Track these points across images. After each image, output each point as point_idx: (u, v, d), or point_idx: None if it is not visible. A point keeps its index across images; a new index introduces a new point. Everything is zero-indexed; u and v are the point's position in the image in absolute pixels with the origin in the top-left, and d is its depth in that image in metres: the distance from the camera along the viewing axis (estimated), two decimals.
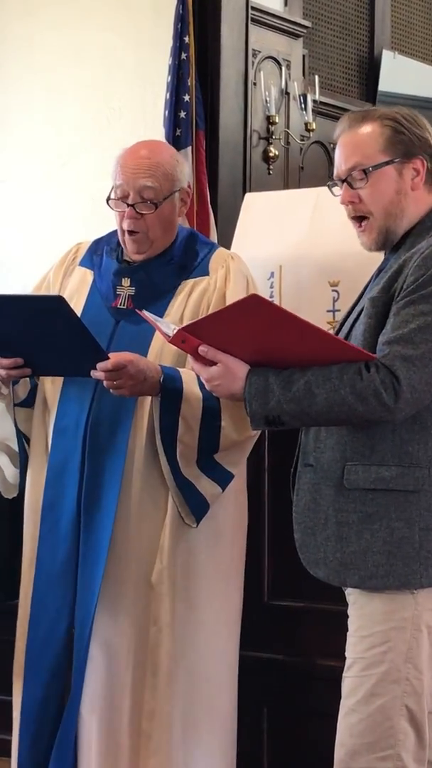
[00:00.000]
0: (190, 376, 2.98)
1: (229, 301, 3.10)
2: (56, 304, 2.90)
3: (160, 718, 3.07)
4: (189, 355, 2.60)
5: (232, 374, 2.52)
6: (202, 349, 2.52)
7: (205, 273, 3.18)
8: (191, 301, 3.15)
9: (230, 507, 3.19)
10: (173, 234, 3.19)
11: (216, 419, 3.03)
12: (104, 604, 3.05)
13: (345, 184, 2.62)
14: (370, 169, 2.58)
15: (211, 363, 2.54)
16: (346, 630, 2.61)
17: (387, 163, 2.59)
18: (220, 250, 3.27)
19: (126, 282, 3.17)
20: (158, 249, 3.17)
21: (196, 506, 3.06)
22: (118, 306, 3.16)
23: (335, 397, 2.43)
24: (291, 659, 3.41)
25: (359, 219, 2.64)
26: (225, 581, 3.20)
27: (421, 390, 2.43)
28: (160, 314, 3.08)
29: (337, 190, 2.66)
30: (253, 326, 2.46)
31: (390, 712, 2.50)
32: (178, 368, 3.03)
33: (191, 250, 3.21)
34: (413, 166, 2.60)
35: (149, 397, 3.04)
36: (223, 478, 3.09)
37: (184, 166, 3.21)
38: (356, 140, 2.61)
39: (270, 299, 3.60)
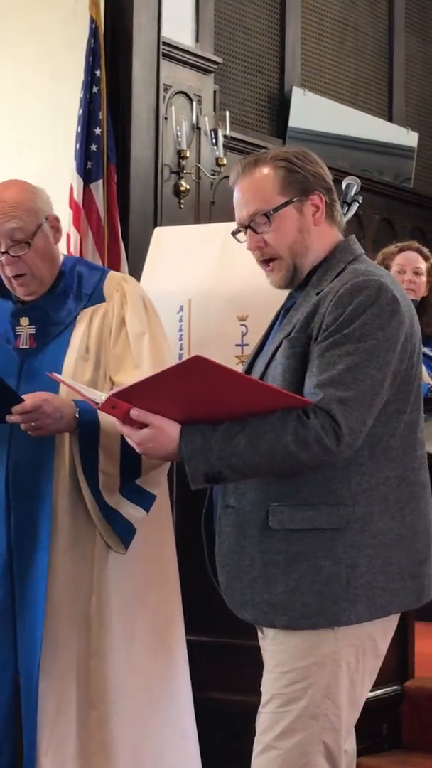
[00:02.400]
0: None
1: (129, 324, 3.12)
2: None
3: (107, 751, 3.04)
4: (116, 420, 2.53)
5: (165, 435, 2.47)
6: (134, 413, 2.47)
7: (101, 299, 3.18)
8: (93, 329, 3.14)
9: (152, 529, 3.18)
10: (57, 263, 3.19)
11: None
12: (45, 645, 3.01)
13: (249, 230, 2.64)
14: (272, 212, 2.59)
15: (141, 425, 2.49)
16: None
17: (286, 203, 2.60)
18: (112, 273, 3.26)
19: (24, 321, 3.15)
20: (47, 283, 3.16)
21: (123, 533, 3.05)
22: (21, 346, 3.14)
23: (277, 446, 2.41)
24: (194, 694, 3.39)
25: (267, 260, 2.66)
26: (157, 603, 3.18)
27: (358, 431, 2.43)
28: (64, 346, 3.09)
29: (241, 236, 2.67)
30: (191, 385, 2.41)
31: (307, 748, 2.48)
32: None
33: (82, 278, 3.20)
34: (312, 202, 2.62)
35: (68, 436, 3.03)
36: (146, 501, 3.08)
37: (42, 194, 3.17)
38: (253, 186, 2.62)
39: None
